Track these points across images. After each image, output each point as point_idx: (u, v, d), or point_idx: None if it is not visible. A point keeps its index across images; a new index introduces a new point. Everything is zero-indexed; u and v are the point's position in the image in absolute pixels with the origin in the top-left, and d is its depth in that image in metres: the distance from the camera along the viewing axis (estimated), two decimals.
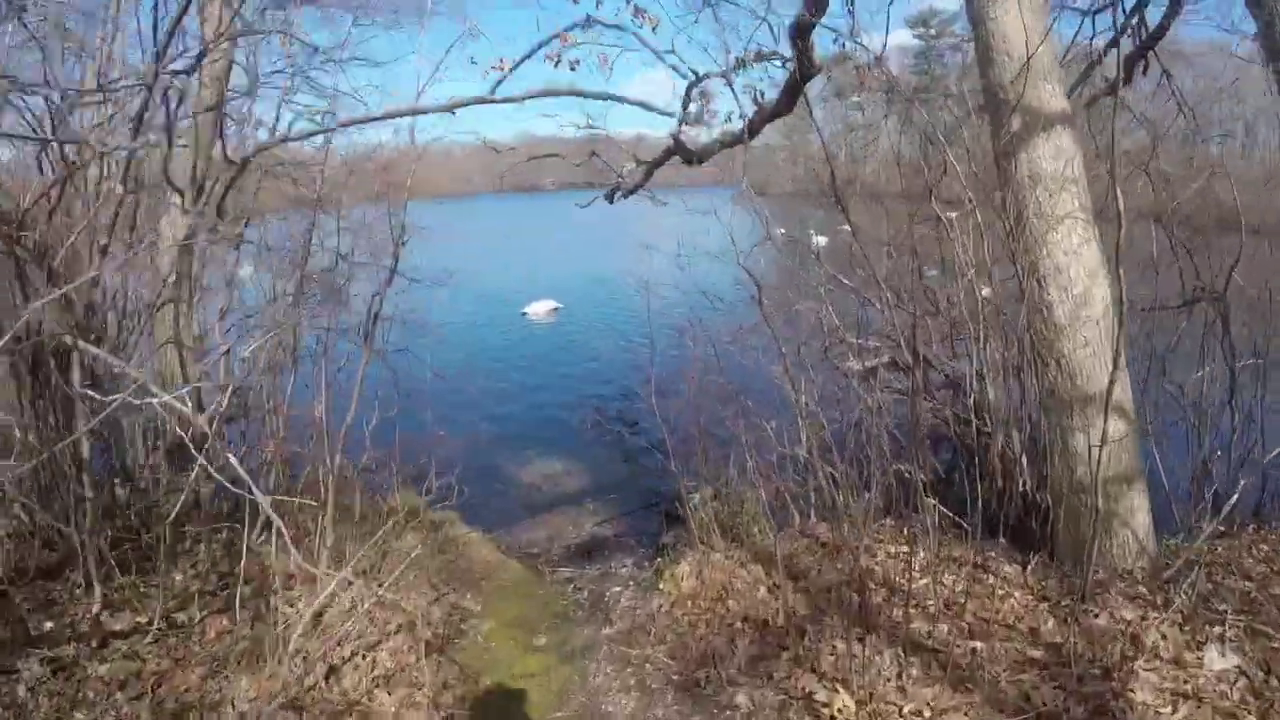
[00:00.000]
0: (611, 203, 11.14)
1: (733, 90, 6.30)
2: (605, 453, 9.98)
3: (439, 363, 14.61)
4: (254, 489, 3.33)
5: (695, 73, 6.82)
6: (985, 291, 5.55)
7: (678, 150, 8.88)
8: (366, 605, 4.20)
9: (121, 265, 5.21)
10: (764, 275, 6.51)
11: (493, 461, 9.71)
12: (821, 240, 37.49)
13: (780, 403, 6.31)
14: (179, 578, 4.63)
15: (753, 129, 6.90)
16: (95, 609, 4.18)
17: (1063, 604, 4.19)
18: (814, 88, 8.06)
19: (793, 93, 6.59)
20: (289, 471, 5.59)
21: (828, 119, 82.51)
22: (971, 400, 5.65)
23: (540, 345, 17.51)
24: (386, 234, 9.07)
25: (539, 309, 20.21)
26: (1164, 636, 3.79)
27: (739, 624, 4.43)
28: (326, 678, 3.86)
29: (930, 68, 72.29)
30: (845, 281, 7.20)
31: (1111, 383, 3.88)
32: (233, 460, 3.47)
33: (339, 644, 4.02)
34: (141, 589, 4.40)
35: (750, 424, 6.04)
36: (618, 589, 5.55)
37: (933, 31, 63.30)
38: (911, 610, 4.03)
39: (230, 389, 4.61)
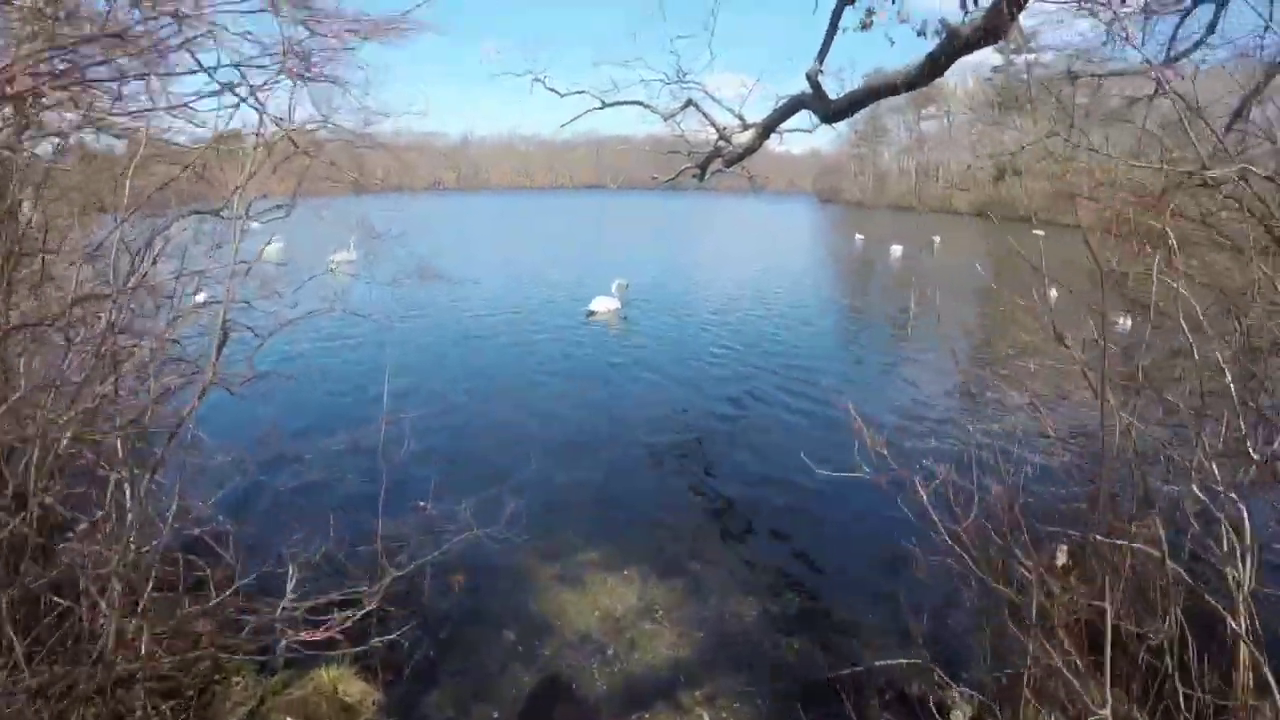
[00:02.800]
0: (703, 178, 9.29)
1: None
2: (733, 571, 5.93)
3: (463, 382, 11.19)
4: None
5: None
6: None
7: (812, 100, 6.56)
8: None
9: None
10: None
11: (518, 571, 5.81)
12: (898, 250, 34.79)
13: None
14: None
15: (941, 61, 5.05)
16: None
17: None
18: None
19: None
20: None
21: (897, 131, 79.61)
22: None
23: (604, 355, 13.62)
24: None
25: (603, 307, 17.30)
26: None
27: None
28: None
29: (1010, 84, 68.43)
30: None
31: None
32: None
33: None
34: None
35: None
36: None
37: (1013, 46, 60.70)
38: None
39: None
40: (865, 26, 5.17)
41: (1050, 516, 3.69)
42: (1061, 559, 3.89)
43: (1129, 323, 5.86)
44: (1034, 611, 2.93)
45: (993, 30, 4.77)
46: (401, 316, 10.34)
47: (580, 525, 6.55)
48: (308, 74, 6.04)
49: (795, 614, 5.26)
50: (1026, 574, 3.04)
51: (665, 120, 9.57)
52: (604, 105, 8.85)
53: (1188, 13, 6.65)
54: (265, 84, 5.69)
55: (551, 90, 8.70)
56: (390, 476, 4.43)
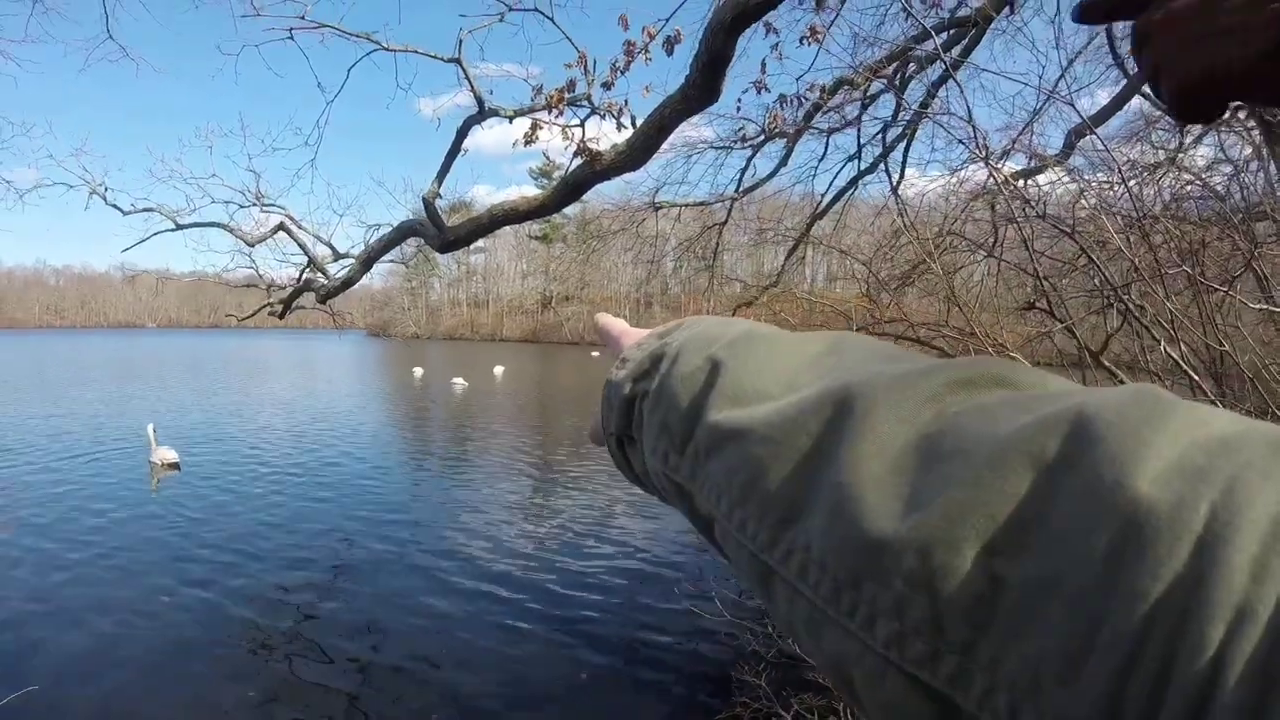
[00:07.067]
0: (284, 315, 8.28)
1: None
2: None
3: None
4: None
5: None
6: None
7: (425, 227, 6.11)
8: None
9: None
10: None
11: None
12: (461, 382, 34.23)
13: None
14: None
15: (579, 186, 4.99)
16: None
17: None
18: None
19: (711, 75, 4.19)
20: None
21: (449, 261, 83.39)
22: None
23: (170, 527, 10.95)
24: None
25: (163, 458, 13.97)
26: None
27: None
28: None
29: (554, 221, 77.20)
30: None
31: None
32: None
33: None
34: None
35: None
36: None
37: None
38: None
39: None
40: (529, 142, 5.11)
41: None
42: None
43: None
44: None
45: (634, 160, 4.92)
46: None
47: None
48: None
49: None
50: None
51: (251, 245, 8.45)
52: (178, 227, 7.52)
53: (759, 148, 7.29)
54: None
55: (113, 206, 7.12)
56: None
